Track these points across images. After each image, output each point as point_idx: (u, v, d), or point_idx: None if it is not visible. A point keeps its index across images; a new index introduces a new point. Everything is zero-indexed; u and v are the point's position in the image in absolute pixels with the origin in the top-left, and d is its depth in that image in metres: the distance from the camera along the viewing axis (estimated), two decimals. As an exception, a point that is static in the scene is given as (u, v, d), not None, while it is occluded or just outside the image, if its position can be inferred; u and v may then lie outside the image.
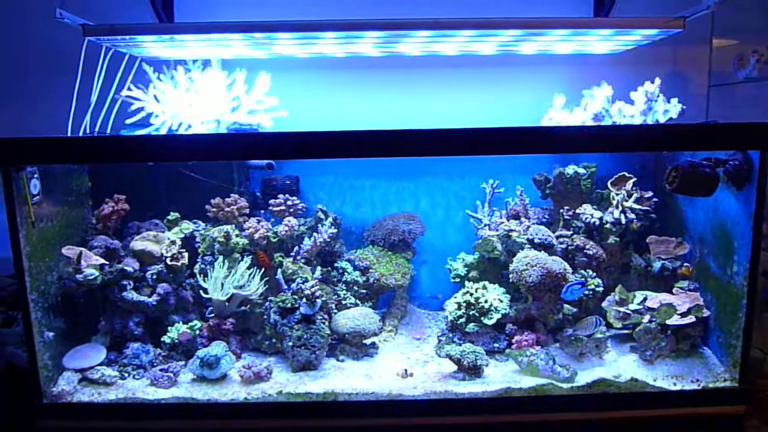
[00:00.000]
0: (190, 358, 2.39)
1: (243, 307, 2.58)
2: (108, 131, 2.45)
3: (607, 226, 2.62)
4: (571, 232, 2.71)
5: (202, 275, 2.55)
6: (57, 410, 2.21)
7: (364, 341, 2.57)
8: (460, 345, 2.42)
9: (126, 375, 2.36)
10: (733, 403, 2.25)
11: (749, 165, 2.16)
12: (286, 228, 2.65)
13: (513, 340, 2.49)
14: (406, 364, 2.48)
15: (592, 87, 2.50)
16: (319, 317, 2.49)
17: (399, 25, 2.25)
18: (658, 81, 2.39)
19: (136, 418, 2.23)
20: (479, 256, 2.74)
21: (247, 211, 2.76)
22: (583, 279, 2.48)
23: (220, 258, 2.57)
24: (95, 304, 2.52)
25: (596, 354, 2.46)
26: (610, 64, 2.80)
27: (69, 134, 2.35)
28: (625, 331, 2.55)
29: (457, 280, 2.75)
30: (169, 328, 2.48)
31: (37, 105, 2.77)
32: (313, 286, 2.48)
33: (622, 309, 2.53)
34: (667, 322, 2.41)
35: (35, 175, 2.20)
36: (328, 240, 2.70)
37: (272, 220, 2.76)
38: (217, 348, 2.38)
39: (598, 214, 2.65)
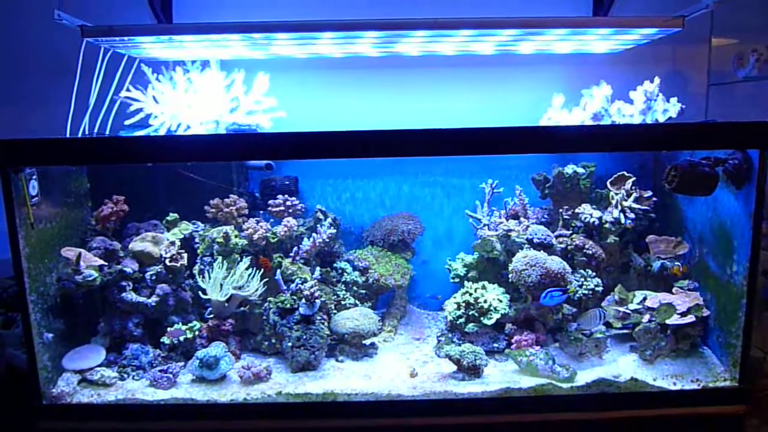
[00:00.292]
0: (190, 359, 2.39)
1: (242, 308, 2.58)
2: (107, 132, 2.45)
3: (607, 225, 2.62)
4: (571, 232, 2.71)
5: (201, 276, 2.55)
6: (56, 411, 2.21)
7: (364, 342, 2.57)
8: (460, 345, 2.41)
9: (125, 376, 2.36)
10: (733, 402, 2.25)
11: (749, 164, 2.15)
12: (285, 228, 2.65)
13: (512, 340, 2.49)
14: (406, 364, 2.48)
15: (591, 86, 2.50)
16: (319, 318, 2.49)
17: (397, 25, 2.25)
18: (657, 80, 2.39)
19: (135, 419, 2.23)
20: (478, 256, 2.74)
21: (246, 211, 2.76)
22: (566, 287, 2.47)
23: (219, 259, 2.57)
24: (94, 306, 2.52)
25: (596, 354, 2.46)
26: (609, 64, 2.79)
27: (68, 135, 2.35)
28: (625, 331, 2.55)
29: (457, 280, 2.75)
30: (168, 329, 2.48)
31: (36, 106, 2.77)
32: (312, 287, 2.48)
33: (621, 309, 2.53)
34: (667, 321, 2.41)
35: (34, 177, 2.20)
36: (327, 240, 2.70)
37: (271, 220, 2.76)
38: (217, 349, 2.38)
39: (597, 213, 2.65)
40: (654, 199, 2.63)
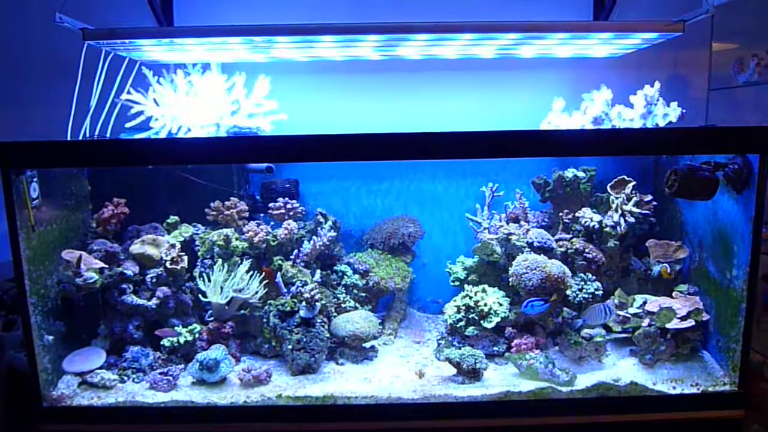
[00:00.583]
0: (190, 362, 2.39)
1: (242, 311, 2.58)
2: (108, 135, 2.45)
3: (607, 229, 2.62)
4: (571, 236, 2.71)
5: (201, 279, 2.55)
6: (56, 414, 2.21)
7: (364, 344, 2.57)
8: (460, 348, 2.42)
9: (125, 378, 2.36)
10: (732, 407, 2.25)
11: (749, 169, 2.15)
12: (286, 231, 2.65)
13: (512, 344, 2.49)
14: (412, 366, 2.48)
15: (592, 90, 2.50)
16: (319, 320, 2.49)
17: (398, 29, 2.25)
18: (657, 84, 2.39)
19: (135, 422, 2.23)
20: (479, 260, 2.74)
21: (247, 214, 2.76)
22: (547, 297, 2.47)
23: (220, 261, 2.57)
24: (95, 308, 2.52)
25: (596, 357, 2.46)
26: (609, 68, 2.79)
27: (69, 138, 2.35)
28: (625, 335, 2.55)
29: (457, 283, 2.75)
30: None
31: (37, 109, 2.76)
32: (312, 290, 2.48)
33: (621, 312, 2.53)
34: (667, 325, 2.41)
35: (35, 179, 2.20)
36: (328, 243, 2.70)
37: (272, 223, 2.76)
38: (217, 351, 2.38)
39: (597, 217, 2.65)
40: (654, 203, 2.63)
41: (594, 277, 2.60)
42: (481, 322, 2.51)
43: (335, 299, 2.68)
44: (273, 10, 2.72)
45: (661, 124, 2.37)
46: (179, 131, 2.40)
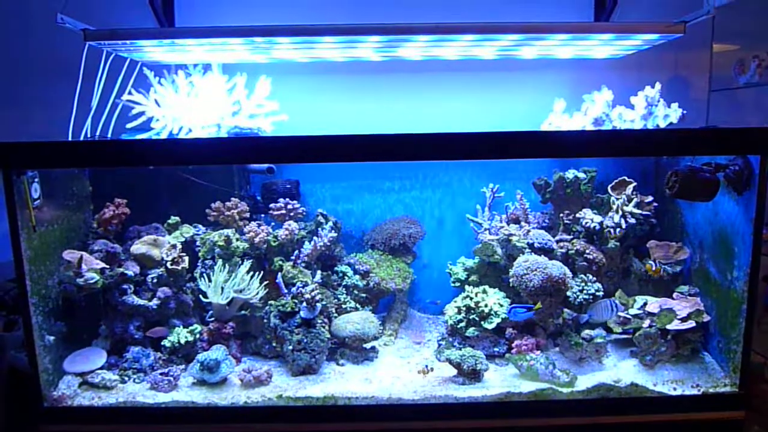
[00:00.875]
0: (190, 362, 2.39)
1: (243, 311, 2.58)
2: (109, 136, 2.46)
3: (607, 230, 2.62)
4: (572, 237, 2.71)
5: (202, 279, 2.56)
6: (57, 414, 2.21)
7: (364, 345, 2.57)
8: (460, 349, 2.42)
9: (126, 379, 2.36)
10: (733, 408, 2.25)
11: (749, 170, 2.16)
12: (287, 232, 2.65)
13: (513, 345, 2.49)
14: (407, 368, 2.48)
15: (593, 91, 2.50)
16: (319, 321, 2.49)
17: (400, 30, 2.25)
18: (658, 86, 2.39)
19: (136, 422, 2.23)
20: (479, 261, 2.74)
21: (248, 215, 2.76)
22: (532, 304, 2.47)
23: (221, 262, 2.57)
24: (96, 308, 2.52)
25: (596, 358, 2.46)
26: (610, 69, 2.79)
27: (70, 139, 2.36)
28: (626, 336, 2.55)
29: (458, 284, 2.75)
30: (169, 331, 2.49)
31: (38, 109, 2.77)
32: (313, 290, 2.48)
33: (622, 314, 2.53)
34: (668, 326, 2.41)
35: (36, 179, 2.20)
36: (329, 244, 2.70)
37: (273, 224, 2.76)
38: (218, 352, 2.38)
39: (598, 218, 2.65)
40: (655, 204, 2.63)
41: (594, 278, 2.60)
42: (482, 323, 2.51)
43: (336, 300, 2.68)
44: (274, 11, 2.73)
45: (662, 125, 2.37)
46: (180, 132, 2.40)
